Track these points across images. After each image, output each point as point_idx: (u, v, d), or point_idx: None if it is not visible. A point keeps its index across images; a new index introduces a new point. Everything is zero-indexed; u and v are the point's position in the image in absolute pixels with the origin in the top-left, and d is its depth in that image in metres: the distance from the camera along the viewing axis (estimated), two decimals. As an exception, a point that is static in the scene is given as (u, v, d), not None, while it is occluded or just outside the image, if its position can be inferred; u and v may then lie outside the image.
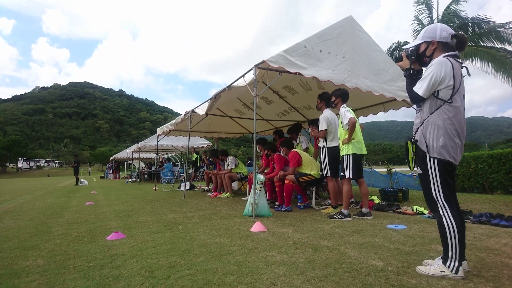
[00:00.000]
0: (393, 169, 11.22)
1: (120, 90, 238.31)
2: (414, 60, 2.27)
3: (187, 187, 10.67)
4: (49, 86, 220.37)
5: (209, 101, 6.83)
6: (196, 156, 17.22)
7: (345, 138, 4.47)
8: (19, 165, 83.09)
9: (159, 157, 21.24)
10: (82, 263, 2.54)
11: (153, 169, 20.01)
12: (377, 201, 5.80)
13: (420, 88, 2.14)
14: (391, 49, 16.25)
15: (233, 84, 5.55)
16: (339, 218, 4.26)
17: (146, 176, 20.82)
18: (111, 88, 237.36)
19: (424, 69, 2.27)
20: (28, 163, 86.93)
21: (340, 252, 2.67)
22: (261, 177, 4.57)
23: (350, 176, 4.38)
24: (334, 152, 4.91)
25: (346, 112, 4.51)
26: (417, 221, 4.13)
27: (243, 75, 5.16)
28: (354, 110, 5.02)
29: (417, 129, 2.21)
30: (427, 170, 2.13)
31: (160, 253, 2.74)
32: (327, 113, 5.08)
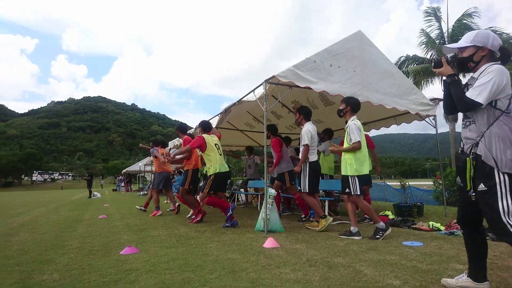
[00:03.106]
0: (407, 183, 11.05)
1: (133, 104, 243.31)
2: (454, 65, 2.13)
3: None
4: (64, 100, 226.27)
5: (219, 115, 6.91)
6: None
7: (340, 148, 4.33)
8: (34, 178, 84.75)
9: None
10: (96, 277, 2.56)
11: (164, 182, 20.07)
12: (391, 216, 5.69)
13: (478, 95, 1.93)
14: (399, 63, 16.24)
15: (243, 99, 5.61)
16: (347, 236, 4.08)
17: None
18: (124, 102, 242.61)
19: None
20: (43, 175, 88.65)
21: (356, 270, 2.63)
22: (272, 191, 4.56)
23: (358, 193, 4.11)
24: (315, 167, 4.87)
25: (355, 130, 4.14)
26: (434, 238, 4.03)
27: (253, 90, 5.21)
28: (364, 124, 5.00)
29: (476, 143, 1.99)
30: (495, 187, 1.89)
31: (173, 269, 2.74)
32: (309, 127, 4.95)
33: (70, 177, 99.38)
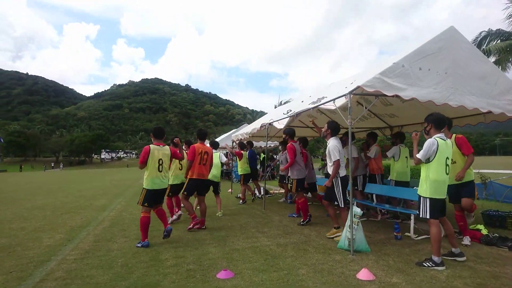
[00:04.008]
0: (488, 179, 10.05)
1: (187, 85, 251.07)
2: None
3: (262, 192, 10.88)
4: (124, 83, 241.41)
5: (289, 117, 6.78)
6: (264, 155, 17.46)
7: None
8: (102, 156, 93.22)
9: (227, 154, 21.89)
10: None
11: (224, 168, 20.67)
12: (484, 231, 5.18)
13: None
14: (478, 39, 14.33)
15: (320, 106, 5.40)
16: (428, 267, 3.73)
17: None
18: (178, 83, 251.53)
19: None
20: (110, 154, 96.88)
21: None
22: (357, 210, 4.39)
23: (428, 217, 3.82)
24: (346, 181, 5.00)
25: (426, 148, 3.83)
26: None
27: (333, 100, 4.96)
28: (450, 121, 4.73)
29: None
30: None
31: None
32: (335, 142, 5.08)
33: (134, 155, 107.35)
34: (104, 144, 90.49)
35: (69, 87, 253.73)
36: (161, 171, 5.00)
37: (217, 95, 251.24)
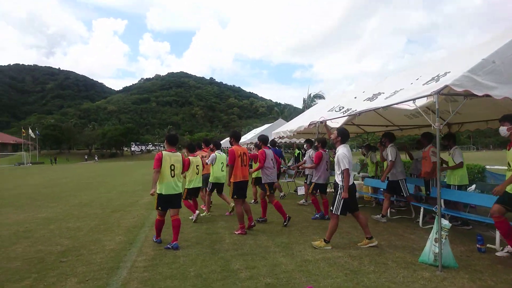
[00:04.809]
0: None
1: (211, 78, 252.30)
2: None
3: (302, 191, 10.61)
4: (151, 77, 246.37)
5: (347, 116, 6.39)
6: (299, 151, 17.14)
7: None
8: (132, 149, 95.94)
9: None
10: None
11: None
12: None
13: None
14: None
15: (394, 105, 4.97)
16: None
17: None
18: (203, 77, 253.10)
19: None
20: (139, 146, 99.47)
21: None
22: (446, 222, 4.00)
23: None
24: (351, 190, 4.87)
25: None
26: None
27: (413, 99, 4.52)
28: None
29: None
30: None
31: None
32: (344, 150, 4.88)
33: (162, 148, 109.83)
34: (134, 137, 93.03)
35: (99, 82, 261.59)
36: (173, 176, 5.12)
37: (241, 87, 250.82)
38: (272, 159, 6.71)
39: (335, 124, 7.16)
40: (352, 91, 9.35)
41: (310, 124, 8.08)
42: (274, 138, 11.61)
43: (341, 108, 7.54)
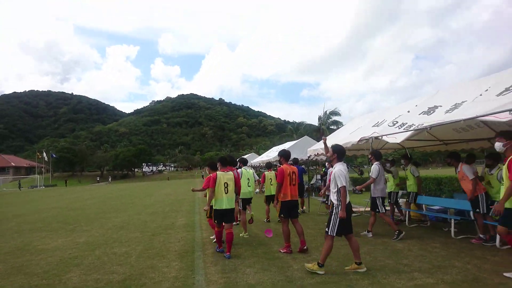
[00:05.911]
0: None
1: (220, 99, 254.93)
2: None
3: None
4: (162, 99, 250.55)
5: (418, 130, 6.02)
6: (324, 168, 16.68)
7: None
8: (144, 170, 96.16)
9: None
10: None
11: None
12: None
13: None
14: None
15: (480, 118, 4.60)
16: None
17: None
18: (212, 98, 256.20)
19: None
20: (150, 167, 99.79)
21: None
22: None
23: None
24: (349, 209, 4.63)
25: None
26: None
27: (508, 111, 4.15)
28: None
29: None
30: None
31: None
32: (341, 167, 4.67)
33: (172, 168, 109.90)
34: (146, 158, 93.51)
35: (110, 105, 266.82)
36: (227, 193, 5.70)
37: (250, 107, 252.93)
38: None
39: (396, 139, 6.87)
40: (397, 107, 9.01)
41: (360, 140, 7.73)
42: (311, 154, 11.28)
43: (394, 123, 7.20)
